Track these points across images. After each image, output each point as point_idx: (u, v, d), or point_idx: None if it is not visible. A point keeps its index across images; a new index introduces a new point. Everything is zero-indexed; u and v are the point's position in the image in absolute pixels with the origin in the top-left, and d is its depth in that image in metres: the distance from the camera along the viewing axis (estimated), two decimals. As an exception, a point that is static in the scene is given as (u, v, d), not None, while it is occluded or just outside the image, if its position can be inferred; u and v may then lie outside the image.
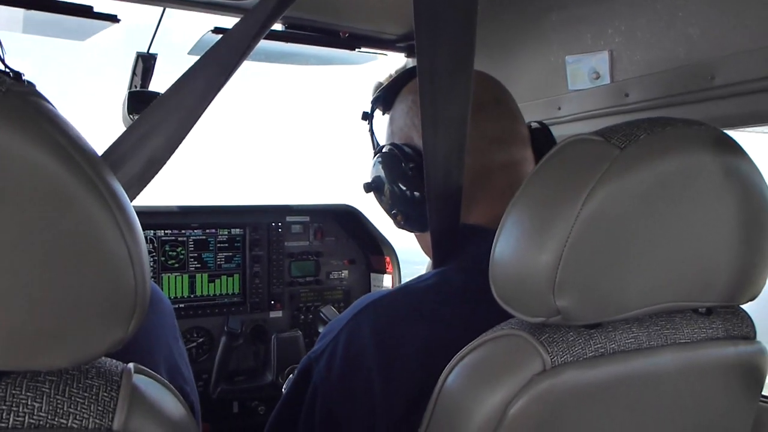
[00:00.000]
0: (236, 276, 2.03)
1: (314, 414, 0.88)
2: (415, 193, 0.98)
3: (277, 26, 1.42)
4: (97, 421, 0.49)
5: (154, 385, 0.57)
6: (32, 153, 0.41)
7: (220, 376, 1.79)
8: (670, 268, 0.72)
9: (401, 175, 0.98)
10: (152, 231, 1.91)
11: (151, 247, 1.90)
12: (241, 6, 1.29)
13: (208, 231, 1.99)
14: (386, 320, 0.88)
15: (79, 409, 0.49)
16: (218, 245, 2.01)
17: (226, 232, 2.02)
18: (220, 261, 2.01)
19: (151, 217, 1.93)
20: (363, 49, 1.49)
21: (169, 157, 0.78)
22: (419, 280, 0.95)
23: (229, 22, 1.39)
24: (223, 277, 2.01)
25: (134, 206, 1.51)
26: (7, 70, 0.84)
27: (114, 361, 0.55)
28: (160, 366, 0.79)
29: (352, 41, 1.45)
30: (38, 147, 0.41)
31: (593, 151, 0.69)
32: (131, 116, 1.64)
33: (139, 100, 1.64)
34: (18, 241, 0.42)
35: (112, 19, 1.26)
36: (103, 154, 0.74)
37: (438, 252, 0.99)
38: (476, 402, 0.70)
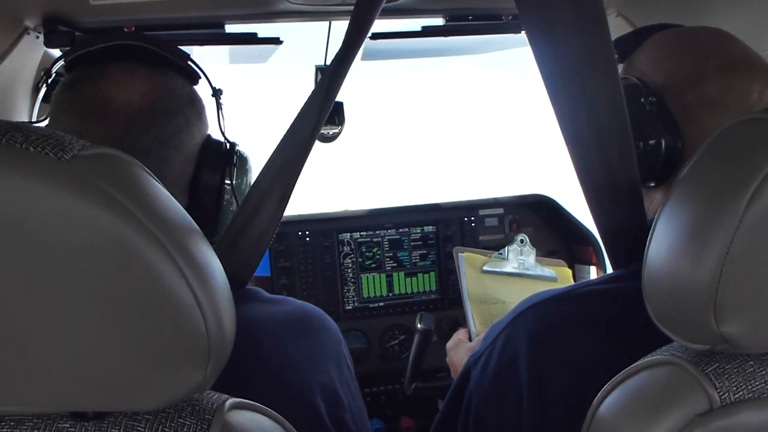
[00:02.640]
0: (432, 273, 2.03)
1: (468, 421, 0.85)
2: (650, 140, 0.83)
3: (438, 20, 1.38)
4: None
5: (255, 420, 0.57)
6: (92, 214, 0.43)
7: (415, 373, 1.81)
8: None
9: (639, 110, 0.83)
10: (348, 234, 1.99)
11: (349, 249, 1.99)
12: (394, 7, 1.27)
13: (401, 230, 2.02)
14: (544, 326, 0.80)
15: None
16: (412, 243, 2.03)
17: (419, 230, 2.03)
18: (415, 259, 2.03)
19: (347, 221, 2.01)
20: (530, 31, 1.38)
21: (294, 187, 0.84)
22: (588, 283, 0.85)
23: (384, 25, 1.39)
24: (420, 275, 2.03)
25: (328, 213, 1.61)
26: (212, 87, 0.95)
27: (215, 395, 0.56)
28: (315, 392, 0.81)
29: (517, 24, 1.35)
30: (97, 207, 0.43)
31: (761, 135, 0.54)
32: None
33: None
34: (88, 296, 0.45)
35: (276, 41, 1.32)
36: (246, 196, 0.84)
37: (613, 253, 0.87)
38: None
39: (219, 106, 0.96)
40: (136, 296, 0.45)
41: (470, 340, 1.43)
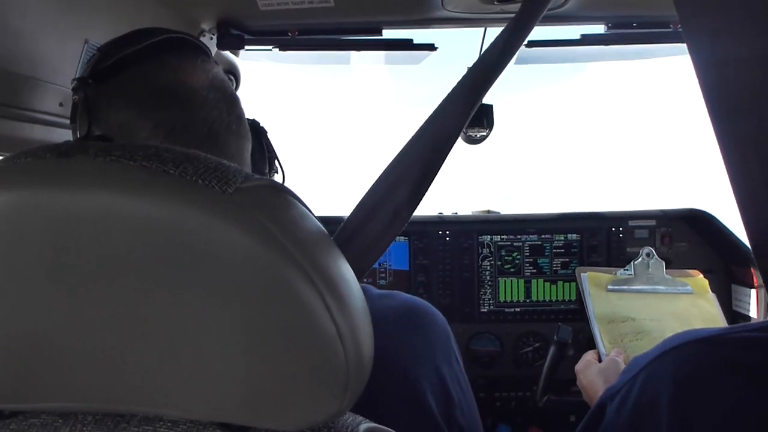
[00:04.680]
0: (573, 283, 1.97)
1: None
2: None
3: (599, 27, 1.33)
4: None
5: None
6: (248, 244, 0.46)
7: (548, 385, 1.78)
8: None
9: None
10: (488, 236, 1.98)
11: (488, 251, 1.98)
12: (554, 15, 1.24)
13: (543, 236, 1.98)
14: (690, 370, 0.75)
15: None
16: (554, 251, 1.98)
17: (562, 238, 1.98)
18: (556, 267, 1.98)
19: (488, 224, 2.00)
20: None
21: (414, 209, 0.78)
22: (746, 327, 0.79)
23: (541, 32, 1.36)
24: (560, 283, 1.98)
25: (469, 216, 1.57)
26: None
27: (350, 418, 0.59)
28: (425, 390, 0.81)
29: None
30: (254, 238, 0.46)
31: None
32: (464, 129, 1.71)
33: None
34: (241, 321, 0.49)
35: (430, 48, 1.34)
36: (353, 210, 0.80)
37: None
38: None
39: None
40: (282, 324, 0.48)
41: (599, 361, 1.38)
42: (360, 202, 0.80)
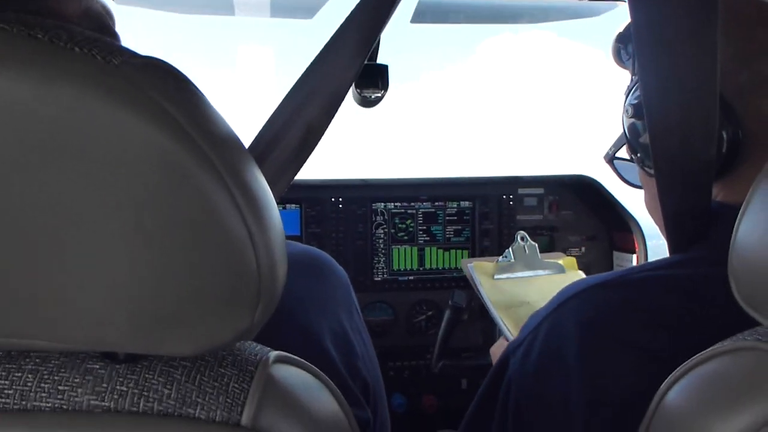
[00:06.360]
0: (466, 251, 1.97)
1: (507, 412, 0.79)
2: None
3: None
4: (225, 414, 0.46)
5: (299, 376, 0.52)
6: (141, 125, 0.38)
7: (443, 350, 1.77)
8: None
9: None
10: (382, 203, 1.94)
11: (381, 219, 1.94)
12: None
13: (437, 204, 1.96)
14: (594, 313, 0.74)
15: (207, 399, 0.46)
16: (447, 218, 1.97)
17: (455, 205, 1.97)
18: (449, 234, 1.97)
19: (381, 189, 1.96)
20: (596, -2, 1.30)
21: (327, 125, 0.74)
22: (642, 268, 0.79)
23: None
24: (453, 251, 1.97)
25: (364, 180, 1.51)
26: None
27: (257, 347, 0.52)
28: (324, 338, 0.76)
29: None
30: (148, 119, 0.38)
31: None
32: (358, 90, 1.64)
33: (366, 74, 1.64)
34: (128, 217, 0.40)
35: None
36: (261, 129, 0.74)
37: (674, 237, 0.81)
38: (706, 429, 0.54)
39: None
40: (182, 222, 0.40)
41: None
42: (269, 118, 0.74)
